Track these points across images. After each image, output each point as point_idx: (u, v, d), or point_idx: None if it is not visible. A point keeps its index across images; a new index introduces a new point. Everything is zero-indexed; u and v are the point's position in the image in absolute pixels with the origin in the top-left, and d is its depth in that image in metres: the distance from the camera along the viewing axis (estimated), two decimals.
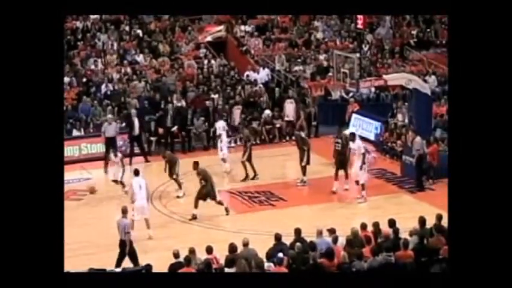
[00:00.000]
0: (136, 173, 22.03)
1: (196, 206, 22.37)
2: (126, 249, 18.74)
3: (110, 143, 27.46)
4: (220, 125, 27.68)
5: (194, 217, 22.36)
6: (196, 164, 22.88)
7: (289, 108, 31.09)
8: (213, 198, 22.48)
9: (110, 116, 28.94)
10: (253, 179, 25.93)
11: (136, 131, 28.38)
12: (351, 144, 24.07)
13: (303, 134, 25.81)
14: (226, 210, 22.68)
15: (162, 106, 30.57)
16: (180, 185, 24.50)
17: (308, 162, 24.98)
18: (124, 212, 19.32)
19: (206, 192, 22.36)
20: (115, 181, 24.86)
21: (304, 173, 25.18)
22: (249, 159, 25.96)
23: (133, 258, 18.70)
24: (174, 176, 24.54)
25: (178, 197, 24.38)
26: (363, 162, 23.57)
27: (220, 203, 22.64)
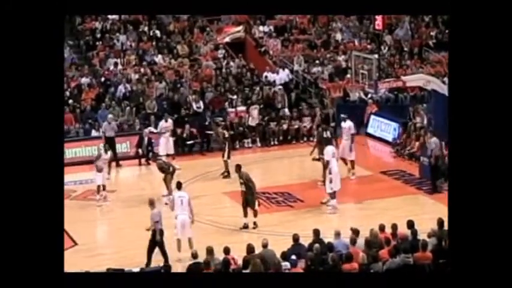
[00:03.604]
0: (178, 186, 20.94)
1: (245, 215, 21.58)
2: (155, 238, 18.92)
3: (110, 143, 27.75)
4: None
5: (245, 226, 21.53)
6: (238, 168, 22.11)
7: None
8: (252, 206, 21.67)
9: (110, 116, 29.09)
10: (223, 174, 26.27)
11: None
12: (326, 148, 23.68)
13: (325, 134, 25.65)
14: (255, 223, 21.63)
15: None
16: (170, 191, 23.38)
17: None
18: (151, 203, 19.38)
19: (247, 199, 21.58)
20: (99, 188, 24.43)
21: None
22: (229, 156, 26.28)
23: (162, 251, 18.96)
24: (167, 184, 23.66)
25: (166, 203, 22.80)
26: (329, 172, 23.00)
27: (255, 213, 21.70)
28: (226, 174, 26.22)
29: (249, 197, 21.61)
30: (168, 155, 27.25)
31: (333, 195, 22.98)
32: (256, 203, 21.82)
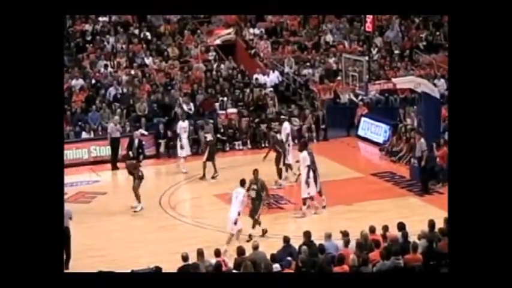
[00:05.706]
0: (241, 183, 20.67)
1: (254, 226, 20.97)
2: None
3: (115, 144, 27.88)
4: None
5: (249, 236, 20.55)
6: (256, 172, 21.38)
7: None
8: (253, 216, 21.02)
9: (116, 117, 29.07)
10: (213, 177, 26.14)
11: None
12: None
13: (279, 136, 25.64)
14: (250, 236, 20.59)
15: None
16: (138, 198, 23.43)
17: (284, 165, 25.11)
18: None
19: (253, 208, 21.10)
20: None
21: (280, 176, 25.25)
22: (210, 159, 26.12)
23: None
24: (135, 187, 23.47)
25: (135, 211, 23.26)
26: (307, 176, 22.66)
27: (254, 224, 20.98)
28: (213, 176, 26.18)
29: (256, 207, 21.07)
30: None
31: (307, 200, 22.72)
32: (258, 213, 21.15)
